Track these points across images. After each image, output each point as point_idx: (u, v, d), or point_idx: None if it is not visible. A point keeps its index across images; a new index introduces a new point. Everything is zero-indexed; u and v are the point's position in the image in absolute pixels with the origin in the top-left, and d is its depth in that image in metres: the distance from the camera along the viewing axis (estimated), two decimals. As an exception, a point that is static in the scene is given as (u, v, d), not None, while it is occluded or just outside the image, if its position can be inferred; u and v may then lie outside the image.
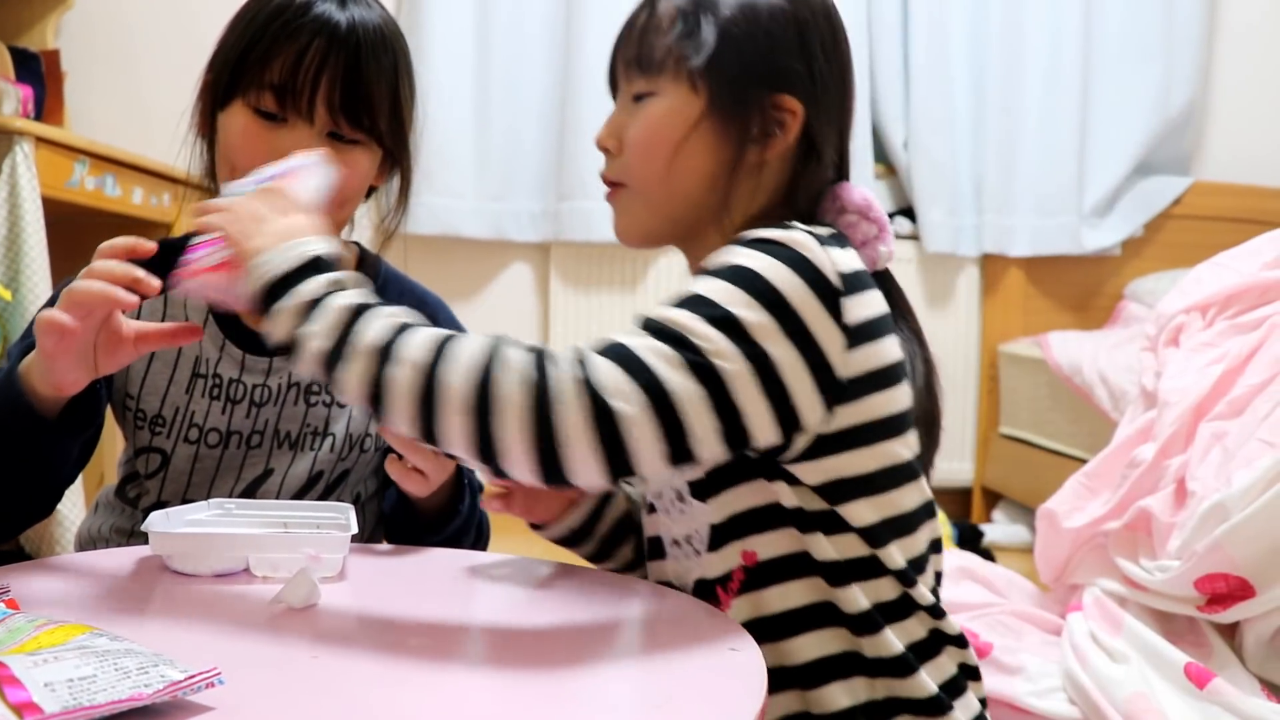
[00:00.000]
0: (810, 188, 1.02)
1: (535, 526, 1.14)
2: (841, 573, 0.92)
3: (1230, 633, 1.60)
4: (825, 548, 0.91)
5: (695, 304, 0.85)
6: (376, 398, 0.82)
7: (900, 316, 1.00)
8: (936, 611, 0.95)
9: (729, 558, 0.95)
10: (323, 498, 1.25)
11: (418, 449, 1.09)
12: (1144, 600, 1.70)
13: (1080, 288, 3.68)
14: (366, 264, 1.34)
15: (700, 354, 0.82)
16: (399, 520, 1.25)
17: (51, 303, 1.23)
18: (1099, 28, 3.57)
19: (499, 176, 3.41)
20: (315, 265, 0.86)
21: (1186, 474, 1.71)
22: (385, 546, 1.18)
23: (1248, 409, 1.70)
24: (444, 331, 0.83)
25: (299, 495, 1.24)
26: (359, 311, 0.83)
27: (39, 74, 2.96)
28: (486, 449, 0.80)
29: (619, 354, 0.81)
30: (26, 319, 2.13)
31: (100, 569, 0.99)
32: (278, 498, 1.23)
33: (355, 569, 1.01)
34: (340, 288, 0.85)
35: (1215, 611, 1.56)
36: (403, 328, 0.83)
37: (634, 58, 1.02)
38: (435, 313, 1.34)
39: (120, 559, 1.02)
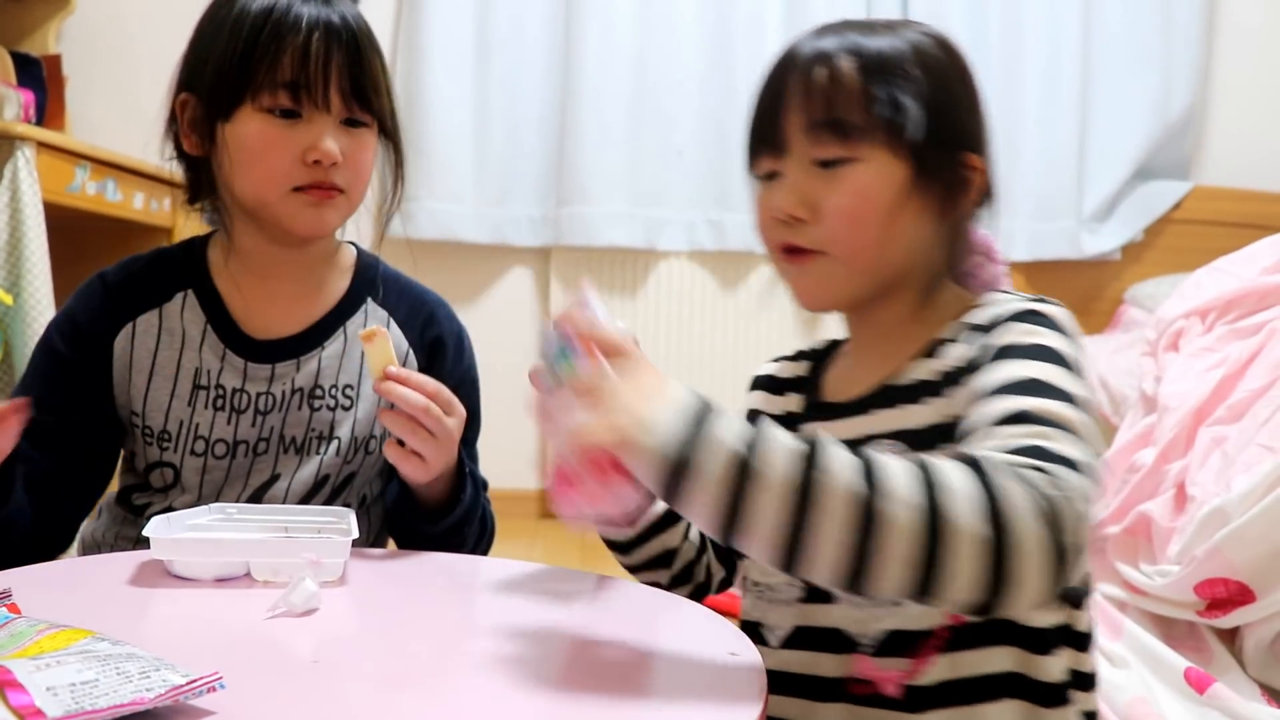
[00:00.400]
0: (972, 237, 1.03)
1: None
2: (1043, 639, 0.89)
3: (1230, 638, 1.60)
4: (1034, 612, 0.88)
5: (1053, 394, 0.82)
6: (862, 545, 0.71)
7: None
8: (1093, 680, 0.94)
9: (933, 613, 0.90)
10: (329, 501, 1.25)
11: (416, 431, 1.10)
12: (1144, 605, 1.70)
13: (1080, 292, 3.68)
14: (364, 265, 1.34)
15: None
16: (400, 512, 1.25)
17: (56, 327, 1.25)
18: (1098, 32, 3.58)
19: (499, 181, 3.41)
20: (710, 415, 0.74)
21: (1186, 479, 1.71)
22: (386, 550, 1.18)
23: (1247, 414, 1.71)
24: (874, 456, 0.74)
25: (305, 499, 1.24)
26: (812, 451, 0.73)
27: (40, 79, 2.97)
28: (999, 582, 0.71)
29: (1082, 466, 0.76)
30: (28, 323, 2.14)
31: (102, 573, 1.00)
32: (284, 502, 1.23)
33: (356, 573, 1.01)
34: (761, 432, 0.74)
35: (1215, 616, 1.56)
36: (869, 460, 0.73)
37: (824, 122, 0.95)
38: (435, 311, 1.34)
39: (122, 563, 1.02)
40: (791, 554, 0.71)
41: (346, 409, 1.26)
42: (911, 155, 0.95)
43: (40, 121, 2.93)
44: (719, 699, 0.73)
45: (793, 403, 1.08)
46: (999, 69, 3.52)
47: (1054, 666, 0.89)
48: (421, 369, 1.29)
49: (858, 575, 0.71)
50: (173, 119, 1.24)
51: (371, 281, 1.32)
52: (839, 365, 1.08)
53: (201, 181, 1.25)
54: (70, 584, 0.97)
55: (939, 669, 0.89)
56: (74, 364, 1.23)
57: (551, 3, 3.40)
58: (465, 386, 1.29)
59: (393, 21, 3.44)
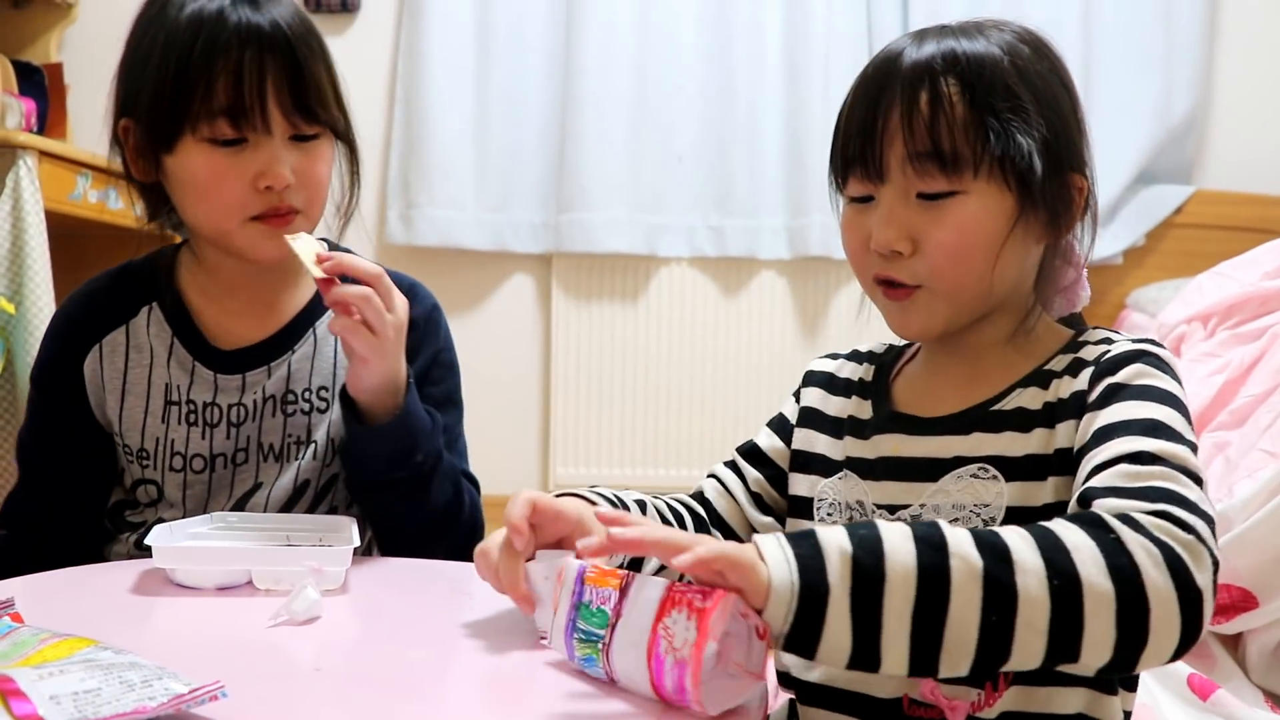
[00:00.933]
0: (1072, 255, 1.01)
1: None
2: (1111, 680, 0.87)
3: (1234, 644, 1.60)
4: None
5: (1175, 437, 0.82)
6: (1000, 623, 0.69)
7: None
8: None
9: None
10: (313, 506, 1.25)
11: (367, 301, 1.08)
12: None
13: (1082, 297, 3.67)
14: None
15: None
16: (353, 453, 1.19)
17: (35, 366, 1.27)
18: (1099, 36, 3.57)
19: (499, 187, 3.41)
20: (819, 546, 0.71)
21: (1189, 484, 1.71)
22: (387, 558, 1.18)
23: (1249, 419, 1.70)
24: (989, 531, 0.73)
25: (287, 505, 1.23)
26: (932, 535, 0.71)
27: (42, 87, 2.98)
28: (1135, 638, 0.70)
29: (1202, 515, 0.75)
30: (29, 331, 2.13)
31: (104, 582, 1.00)
32: (265, 510, 1.22)
33: (357, 581, 1.01)
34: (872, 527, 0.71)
35: (1218, 623, 1.56)
36: (987, 535, 0.72)
37: (928, 153, 0.91)
38: (406, 293, 1.25)
39: (123, 572, 1.02)
40: (929, 649, 0.69)
41: (322, 411, 1.24)
42: (1019, 184, 0.92)
43: (42, 130, 2.93)
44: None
45: (856, 407, 1.04)
46: (999, 74, 3.52)
47: (1117, 708, 0.88)
48: None
49: (996, 654, 0.70)
50: (116, 142, 1.22)
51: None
52: (916, 377, 1.04)
53: (158, 202, 1.24)
54: (72, 593, 0.97)
55: (1007, 701, 0.86)
56: (53, 396, 1.25)
57: (552, 9, 3.40)
58: (440, 368, 1.27)
59: (393, 28, 3.45)
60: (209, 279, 1.26)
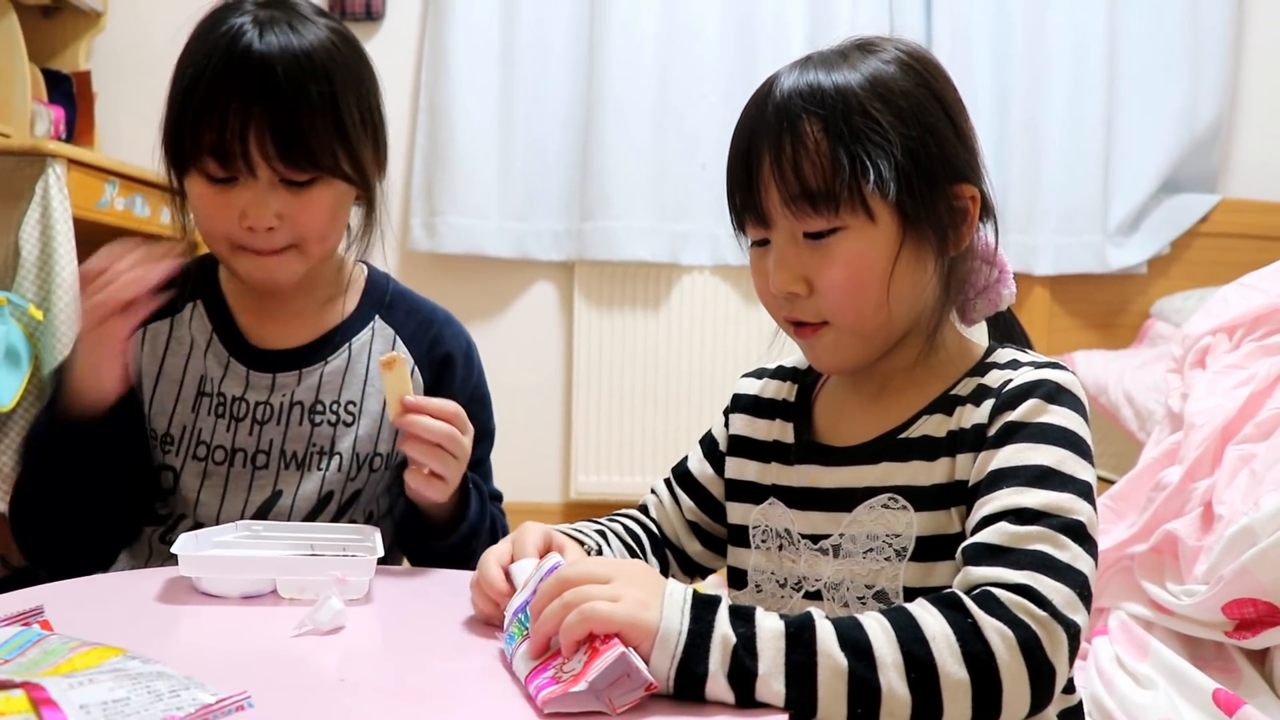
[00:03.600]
0: (976, 252, 1.01)
1: None
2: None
3: (1260, 659, 1.59)
4: None
5: (1064, 485, 0.85)
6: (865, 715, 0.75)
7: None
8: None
9: None
10: (336, 518, 1.26)
11: (440, 456, 1.11)
12: (1171, 624, 1.69)
13: (1105, 306, 3.66)
14: (374, 283, 1.34)
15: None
16: (410, 531, 1.25)
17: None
18: (1124, 43, 3.56)
19: (522, 195, 3.42)
20: (711, 609, 0.77)
21: (1213, 497, 1.69)
22: (409, 568, 1.19)
23: (1276, 432, 1.69)
24: (858, 623, 0.78)
25: (310, 516, 1.25)
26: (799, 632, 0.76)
27: (70, 95, 3.01)
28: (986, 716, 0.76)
29: (1071, 579, 0.81)
30: (58, 338, 2.15)
31: (130, 590, 1.01)
32: (289, 519, 1.23)
33: (380, 591, 1.02)
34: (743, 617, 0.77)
35: (1244, 637, 1.54)
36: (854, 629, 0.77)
37: (800, 194, 0.92)
38: (442, 328, 1.34)
39: (150, 580, 1.03)
40: None
41: (348, 425, 1.26)
42: (897, 209, 0.92)
43: (70, 137, 2.96)
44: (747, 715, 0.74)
45: (780, 431, 1.06)
46: (1023, 80, 3.51)
47: None
48: (428, 385, 1.30)
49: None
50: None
51: (380, 300, 1.32)
52: (832, 400, 1.06)
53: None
54: (100, 601, 0.98)
55: None
56: None
57: (575, 17, 3.41)
58: (475, 404, 1.29)
59: (417, 36, 3.47)
60: (240, 285, 1.30)
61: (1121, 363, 3.08)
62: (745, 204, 0.97)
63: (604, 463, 3.43)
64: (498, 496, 1.33)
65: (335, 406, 1.26)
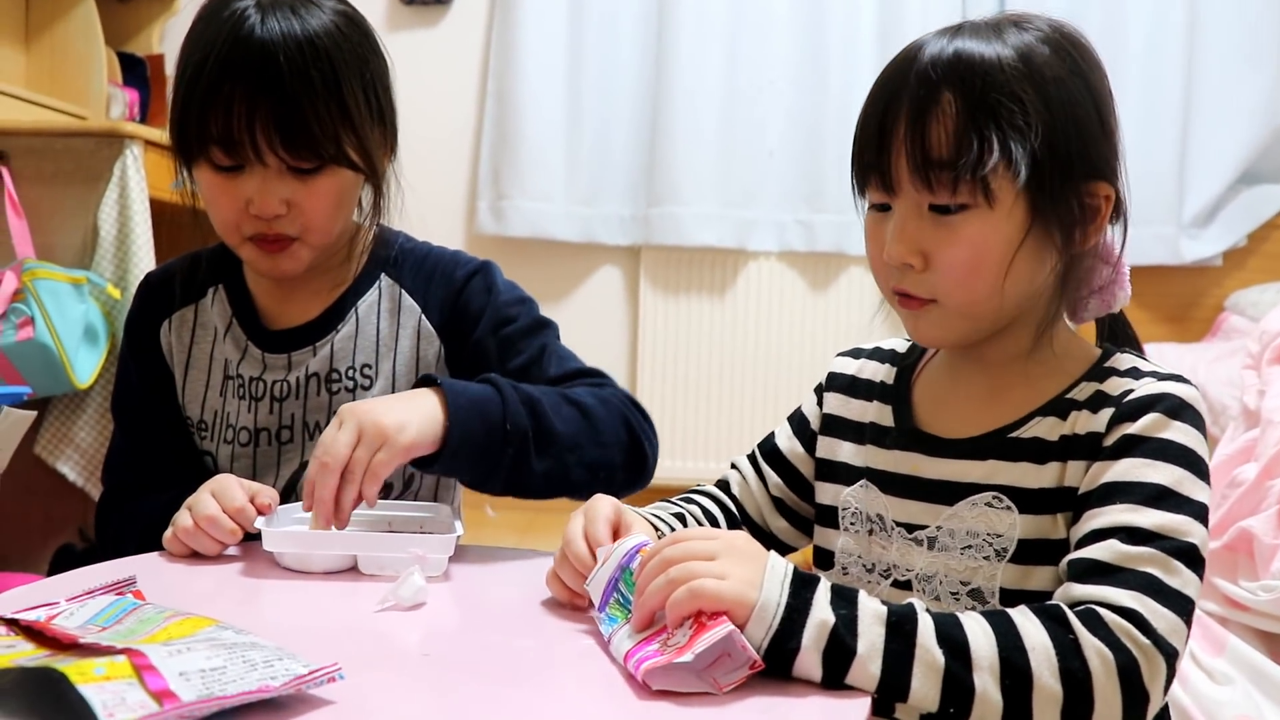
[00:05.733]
0: (1101, 255, 0.99)
1: None
2: None
3: (1342, 656, 1.56)
4: None
5: (1177, 505, 0.84)
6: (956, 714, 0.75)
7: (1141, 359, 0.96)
8: None
9: None
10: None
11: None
12: (1246, 620, 1.66)
13: (1178, 299, 3.59)
14: (381, 242, 1.31)
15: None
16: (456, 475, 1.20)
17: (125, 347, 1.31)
18: (1204, 33, 3.48)
19: (590, 180, 3.43)
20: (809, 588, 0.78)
21: (1294, 493, 1.66)
22: (485, 546, 1.19)
23: (1359, 428, 1.65)
24: (958, 621, 0.78)
25: None
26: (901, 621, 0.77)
27: (145, 78, 3.06)
28: None
29: (1177, 605, 0.79)
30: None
31: (214, 564, 1.02)
32: None
33: (457, 569, 1.02)
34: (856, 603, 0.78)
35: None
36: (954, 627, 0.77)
37: (930, 164, 0.89)
38: (449, 270, 1.29)
39: (232, 554, 1.05)
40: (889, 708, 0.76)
41: (366, 389, 1.25)
42: (1027, 197, 0.89)
43: (144, 119, 3.01)
44: (829, 707, 0.73)
45: (877, 413, 1.04)
46: (1098, 70, 3.45)
47: None
48: (448, 329, 1.27)
49: None
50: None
51: (386, 258, 1.30)
52: (935, 387, 1.03)
53: None
54: (185, 574, 1.00)
55: None
56: (137, 361, 1.31)
57: (644, 3, 3.41)
58: (509, 307, 1.27)
59: (485, 21, 3.48)
60: None
61: (1194, 356, 3.03)
62: (872, 164, 0.93)
63: (669, 447, 3.43)
64: (599, 374, 1.27)
65: (351, 372, 1.25)
